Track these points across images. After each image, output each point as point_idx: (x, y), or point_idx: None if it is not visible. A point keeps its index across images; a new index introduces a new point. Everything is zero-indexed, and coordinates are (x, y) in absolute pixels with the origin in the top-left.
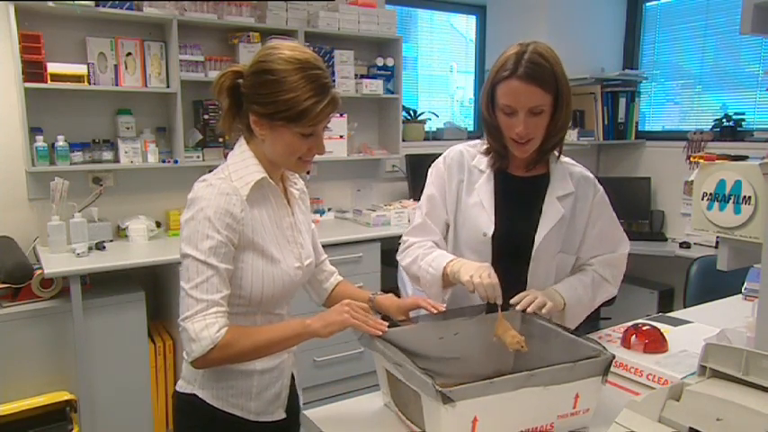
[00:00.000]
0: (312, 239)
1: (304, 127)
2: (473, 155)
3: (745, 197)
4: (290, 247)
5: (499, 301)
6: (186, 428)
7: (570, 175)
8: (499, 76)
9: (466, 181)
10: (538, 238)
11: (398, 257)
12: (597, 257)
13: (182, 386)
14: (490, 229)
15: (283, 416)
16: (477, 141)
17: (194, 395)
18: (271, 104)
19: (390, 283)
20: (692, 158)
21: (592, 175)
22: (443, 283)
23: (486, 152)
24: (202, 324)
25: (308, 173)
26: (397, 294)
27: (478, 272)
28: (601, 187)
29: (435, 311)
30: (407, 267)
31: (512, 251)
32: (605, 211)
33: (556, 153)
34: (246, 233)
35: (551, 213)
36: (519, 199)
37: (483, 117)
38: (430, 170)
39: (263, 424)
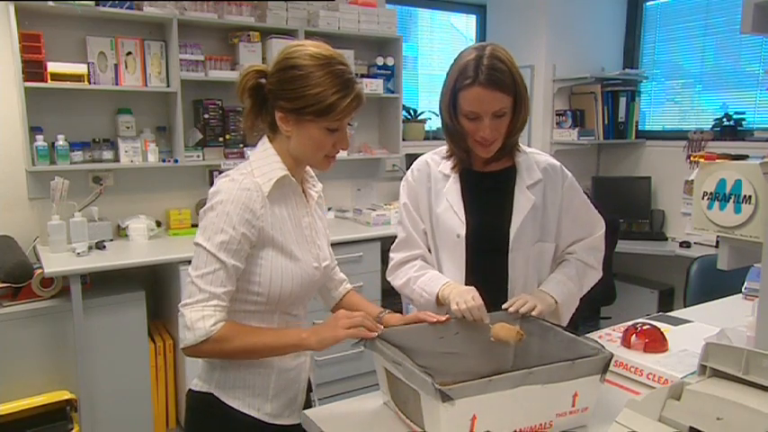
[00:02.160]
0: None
1: (331, 121)
2: (438, 162)
3: (745, 196)
4: (309, 246)
5: (486, 320)
6: (201, 428)
7: (537, 164)
8: (461, 83)
9: (433, 188)
10: (513, 228)
11: (389, 278)
12: (578, 243)
13: (197, 385)
14: (462, 230)
15: (299, 420)
16: (442, 148)
17: (210, 394)
18: (299, 99)
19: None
20: (692, 158)
21: (558, 163)
22: (438, 303)
23: (449, 157)
24: (200, 314)
25: None
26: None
27: (463, 297)
28: (569, 173)
29: (435, 321)
30: (400, 289)
31: (488, 247)
32: (577, 196)
33: (520, 146)
34: (266, 229)
35: (523, 202)
36: (488, 194)
37: (444, 123)
38: (401, 184)
39: (279, 427)
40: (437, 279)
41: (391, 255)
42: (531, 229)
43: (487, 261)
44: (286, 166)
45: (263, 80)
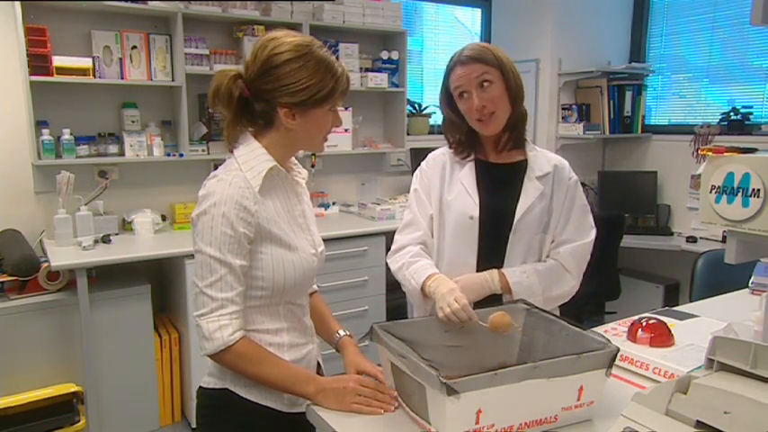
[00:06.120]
0: None
1: (334, 102)
2: (453, 154)
3: (753, 190)
4: (304, 234)
5: (474, 319)
6: (220, 424)
7: (547, 160)
8: (448, 70)
9: (449, 176)
10: (519, 211)
11: (388, 260)
12: (566, 245)
13: (209, 382)
14: (475, 212)
15: None
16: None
17: (225, 389)
18: (303, 91)
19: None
20: (700, 151)
21: (567, 163)
22: (423, 295)
23: (456, 148)
24: (216, 325)
25: (312, 165)
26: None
27: (445, 300)
28: (575, 174)
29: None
30: (395, 272)
31: (496, 231)
32: (580, 197)
33: (531, 143)
34: (262, 225)
35: (531, 190)
36: (500, 182)
37: (443, 116)
38: (415, 173)
39: (296, 415)
40: (425, 269)
41: (396, 237)
42: (537, 215)
43: (496, 243)
44: (273, 157)
45: (240, 81)
